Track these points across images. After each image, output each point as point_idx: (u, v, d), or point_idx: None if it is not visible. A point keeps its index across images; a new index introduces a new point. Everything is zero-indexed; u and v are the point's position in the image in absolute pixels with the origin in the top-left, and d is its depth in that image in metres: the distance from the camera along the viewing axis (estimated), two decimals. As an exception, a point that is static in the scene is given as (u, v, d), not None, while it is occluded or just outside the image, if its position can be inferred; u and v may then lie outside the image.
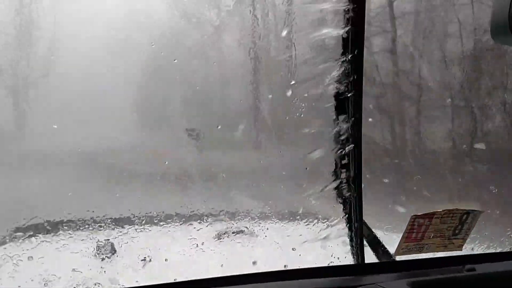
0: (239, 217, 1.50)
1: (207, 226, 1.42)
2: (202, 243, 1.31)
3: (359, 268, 0.59)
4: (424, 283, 0.56)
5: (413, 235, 0.66)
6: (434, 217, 0.66)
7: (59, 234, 1.24)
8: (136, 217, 1.35)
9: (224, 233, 1.35)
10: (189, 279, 0.62)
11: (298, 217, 1.59)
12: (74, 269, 0.88)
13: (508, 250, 0.72)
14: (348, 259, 0.81)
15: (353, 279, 0.56)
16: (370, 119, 6.34)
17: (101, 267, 1.06)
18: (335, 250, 1.16)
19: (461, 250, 0.73)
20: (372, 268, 0.60)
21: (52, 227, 1.26)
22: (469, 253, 0.68)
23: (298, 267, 0.61)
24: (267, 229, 1.41)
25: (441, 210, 0.67)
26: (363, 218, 1.30)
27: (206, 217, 1.50)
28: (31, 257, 0.93)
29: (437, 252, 0.72)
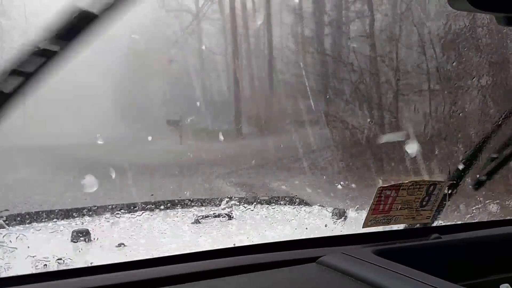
0: (218, 202, 1.51)
1: (186, 212, 1.42)
2: (180, 228, 1.32)
3: (325, 240, 0.60)
4: (389, 250, 0.57)
5: (381, 207, 0.67)
6: (400, 188, 0.67)
7: (37, 222, 1.24)
8: (114, 206, 1.35)
9: (203, 218, 1.35)
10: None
11: (275, 200, 1.61)
12: (48, 256, 0.88)
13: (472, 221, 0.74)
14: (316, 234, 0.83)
15: (317, 251, 0.56)
16: (348, 105, 6.40)
17: (76, 254, 1.06)
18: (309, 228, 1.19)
19: (429, 221, 0.74)
20: (338, 240, 0.60)
21: (29, 216, 1.25)
22: (436, 225, 0.70)
23: (266, 242, 0.61)
24: (245, 212, 1.42)
25: (407, 181, 0.68)
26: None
27: (185, 204, 1.51)
28: (3, 242, 0.93)
29: (405, 223, 0.73)
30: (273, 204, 1.60)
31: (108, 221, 1.24)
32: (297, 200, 1.67)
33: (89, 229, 1.14)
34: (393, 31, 5.33)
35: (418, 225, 0.69)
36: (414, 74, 4.93)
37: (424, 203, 0.70)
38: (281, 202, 1.64)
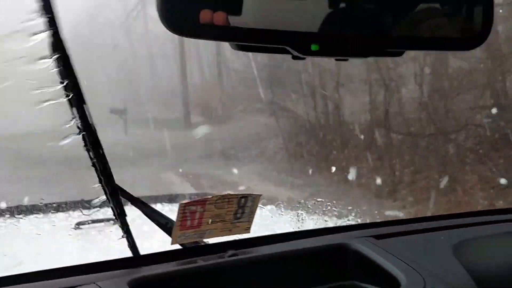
0: (107, 204, 1.44)
1: (69, 216, 1.35)
2: (56, 236, 1.26)
3: (76, 269, 0.56)
4: (150, 278, 0.54)
5: (188, 223, 0.66)
6: (206, 203, 0.65)
7: None
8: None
9: (85, 223, 1.29)
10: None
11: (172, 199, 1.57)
12: None
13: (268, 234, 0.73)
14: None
15: (68, 281, 0.52)
16: (293, 94, 6.44)
17: None
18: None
19: (249, 232, 0.74)
20: (91, 268, 0.56)
21: None
22: (232, 239, 0.68)
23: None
24: (132, 216, 1.37)
25: (211, 196, 0.67)
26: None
27: (73, 206, 1.44)
28: None
29: (222, 236, 0.73)
30: (171, 202, 1.53)
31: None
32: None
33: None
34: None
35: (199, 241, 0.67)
36: (355, 64, 5.01)
37: (238, 215, 0.69)
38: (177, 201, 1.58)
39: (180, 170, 5.74)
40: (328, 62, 5.45)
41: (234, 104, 7.75)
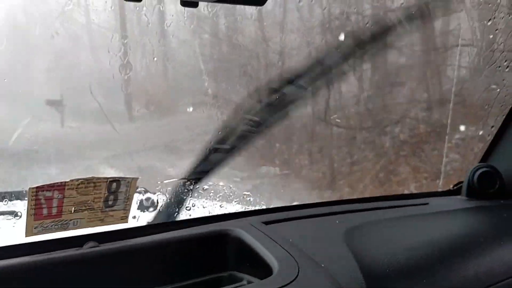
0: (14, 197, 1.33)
1: None
2: None
3: None
4: None
5: (45, 211, 0.58)
6: (66, 188, 0.58)
7: None
8: None
9: None
10: None
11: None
12: None
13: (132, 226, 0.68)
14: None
15: None
16: (238, 86, 6.40)
17: None
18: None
19: (126, 222, 0.67)
20: None
21: None
22: (106, 230, 0.62)
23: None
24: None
25: (71, 180, 0.60)
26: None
27: None
28: None
29: (93, 227, 0.66)
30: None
31: None
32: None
33: None
34: (277, 15, 5.38)
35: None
36: (297, 57, 5.03)
37: (110, 202, 0.61)
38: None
39: (120, 164, 5.52)
40: (273, 56, 5.44)
41: (179, 97, 7.59)
